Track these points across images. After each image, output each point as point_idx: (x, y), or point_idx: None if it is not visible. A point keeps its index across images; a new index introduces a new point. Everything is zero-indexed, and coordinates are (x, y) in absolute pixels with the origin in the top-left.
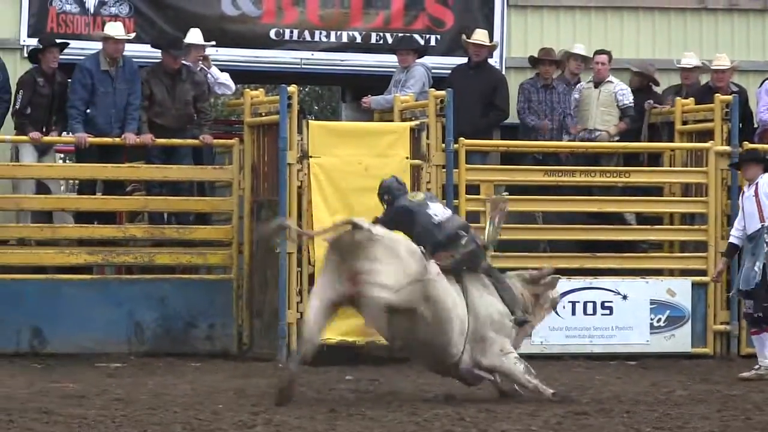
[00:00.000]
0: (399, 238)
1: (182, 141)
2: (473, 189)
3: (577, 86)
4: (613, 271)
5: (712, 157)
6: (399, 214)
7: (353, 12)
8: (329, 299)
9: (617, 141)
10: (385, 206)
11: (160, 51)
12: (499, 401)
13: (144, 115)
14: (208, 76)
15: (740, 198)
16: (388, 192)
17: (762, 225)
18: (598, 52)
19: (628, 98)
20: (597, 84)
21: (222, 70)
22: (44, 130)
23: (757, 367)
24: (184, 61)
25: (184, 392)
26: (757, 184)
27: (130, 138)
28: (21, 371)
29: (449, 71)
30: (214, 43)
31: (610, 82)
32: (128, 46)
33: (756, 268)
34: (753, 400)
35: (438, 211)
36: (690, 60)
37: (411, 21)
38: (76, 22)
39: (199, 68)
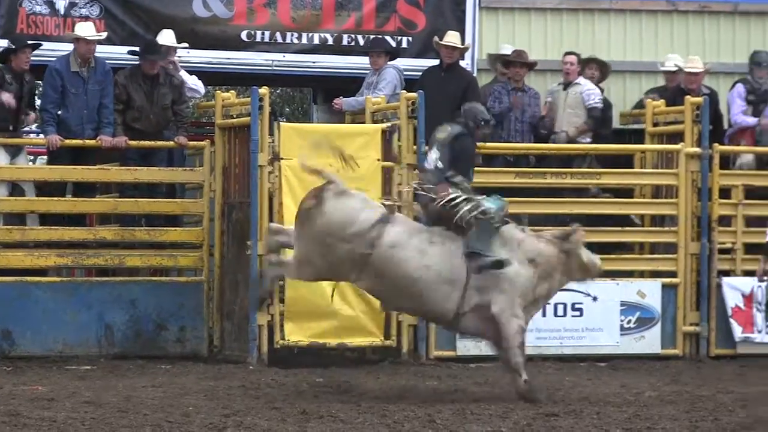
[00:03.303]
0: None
1: (156, 143)
2: None
3: (549, 89)
4: None
5: (683, 159)
6: None
7: (325, 14)
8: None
9: (589, 143)
10: None
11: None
12: (469, 402)
13: (119, 117)
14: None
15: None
16: None
17: None
18: (567, 54)
19: (595, 99)
20: (566, 86)
21: (193, 72)
22: (11, 129)
23: None
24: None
25: (154, 395)
26: None
27: (106, 141)
28: None
29: (421, 73)
30: (186, 44)
31: (578, 83)
32: (100, 47)
33: None
34: (722, 401)
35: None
36: (673, 63)
37: (383, 23)
38: (46, 23)
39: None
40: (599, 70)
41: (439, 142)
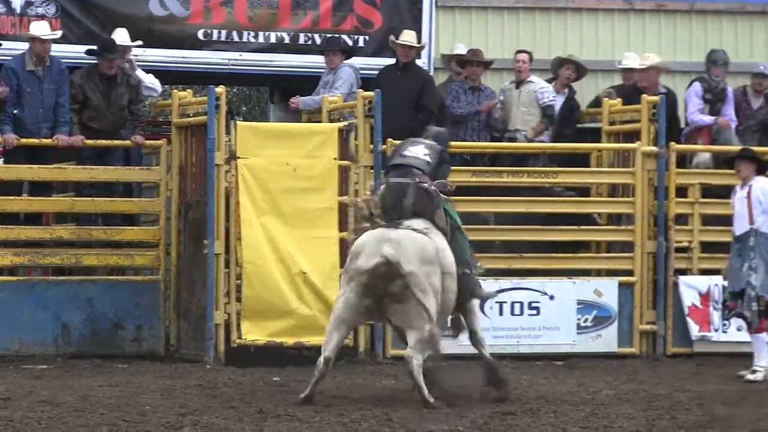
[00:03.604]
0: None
1: (112, 142)
2: None
3: (501, 87)
4: (540, 271)
5: (639, 158)
6: None
7: (281, 13)
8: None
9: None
10: None
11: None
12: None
13: (75, 117)
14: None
15: (732, 197)
16: None
17: (750, 227)
18: (518, 52)
19: (548, 97)
20: (518, 84)
21: (149, 71)
22: None
23: (759, 368)
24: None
25: (111, 394)
26: (750, 186)
27: (62, 140)
28: None
29: (377, 72)
30: (140, 42)
31: (531, 81)
32: (56, 46)
33: (744, 269)
34: (678, 399)
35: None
36: (630, 61)
37: (339, 22)
38: (2, 22)
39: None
40: (576, 70)
41: (426, 145)
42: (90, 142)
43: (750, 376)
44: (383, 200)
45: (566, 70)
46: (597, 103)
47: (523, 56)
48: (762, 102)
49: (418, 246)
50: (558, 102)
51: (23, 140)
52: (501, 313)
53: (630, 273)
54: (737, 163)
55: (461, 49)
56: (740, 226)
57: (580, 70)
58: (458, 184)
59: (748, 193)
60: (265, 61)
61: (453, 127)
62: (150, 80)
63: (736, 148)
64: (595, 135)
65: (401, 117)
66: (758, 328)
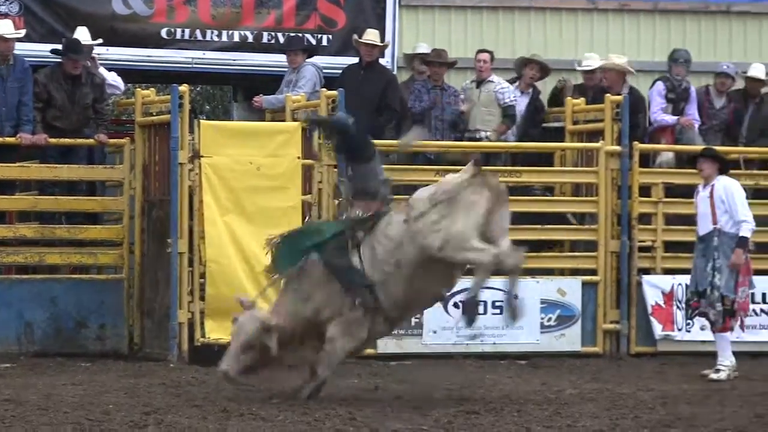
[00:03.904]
0: None
1: (75, 140)
2: None
3: (462, 86)
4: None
5: (603, 157)
6: None
7: (245, 11)
8: None
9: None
10: None
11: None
12: (390, 400)
13: (38, 115)
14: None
15: (695, 197)
16: None
17: (714, 227)
18: (479, 51)
19: (509, 97)
20: (479, 83)
21: (112, 70)
22: None
23: (722, 367)
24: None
25: (74, 392)
26: (713, 186)
27: (26, 138)
28: None
29: (341, 71)
30: (101, 41)
31: (491, 81)
32: (19, 45)
33: (708, 269)
34: (642, 398)
35: None
36: (590, 62)
37: (303, 21)
38: None
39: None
40: (540, 70)
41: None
42: (53, 140)
43: (714, 376)
44: None
45: (530, 70)
46: (554, 97)
47: (484, 56)
48: (724, 101)
49: None
50: (522, 102)
51: None
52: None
53: (593, 272)
54: (700, 163)
55: (423, 48)
56: (703, 226)
57: (544, 70)
58: (423, 183)
59: (711, 193)
60: (229, 60)
61: (415, 125)
62: (113, 78)
63: (700, 147)
64: (558, 134)
65: (365, 116)
66: (722, 327)
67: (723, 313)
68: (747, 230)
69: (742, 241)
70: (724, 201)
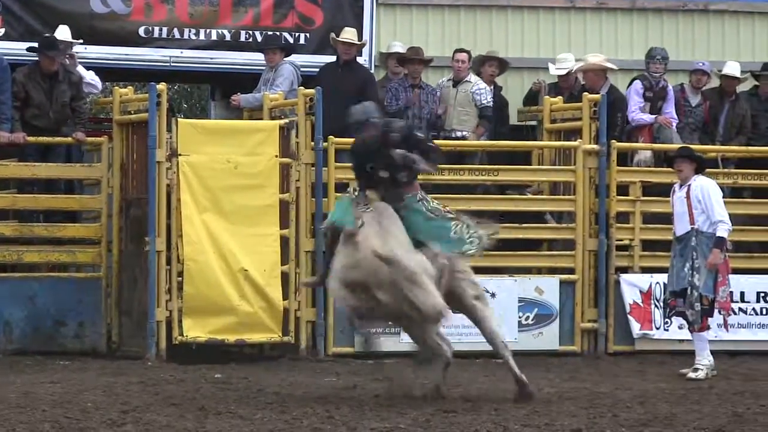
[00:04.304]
0: None
1: (54, 139)
2: (343, 187)
3: (437, 83)
4: (481, 268)
5: (581, 156)
6: None
7: (222, 10)
8: None
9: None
10: None
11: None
12: (368, 398)
13: (17, 114)
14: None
15: (671, 197)
16: None
17: (691, 227)
18: (457, 51)
19: (486, 98)
20: (456, 83)
21: (90, 68)
22: None
23: (700, 366)
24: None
25: (52, 390)
26: (689, 186)
27: (4, 136)
28: None
29: (318, 69)
30: (81, 41)
31: (468, 81)
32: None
33: (686, 269)
34: (620, 397)
35: None
36: (563, 65)
37: (280, 19)
38: None
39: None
40: (499, 66)
41: None
42: (32, 139)
43: (692, 375)
44: None
45: (489, 67)
46: (530, 99)
47: (462, 56)
48: (700, 99)
49: None
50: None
51: None
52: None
53: (571, 271)
54: (677, 163)
55: (398, 48)
56: (681, 227)
57: (503, 66)
58: None
59: (687, 193)
60: (206, 59)
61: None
62: (91, 77)
63: (677, 146)
64: (532, 132)
65: (342, 114)
66: (700, 327)
67: (701, 312)
68: (724, 230)
69: (719, 242)
70: (701, 201)
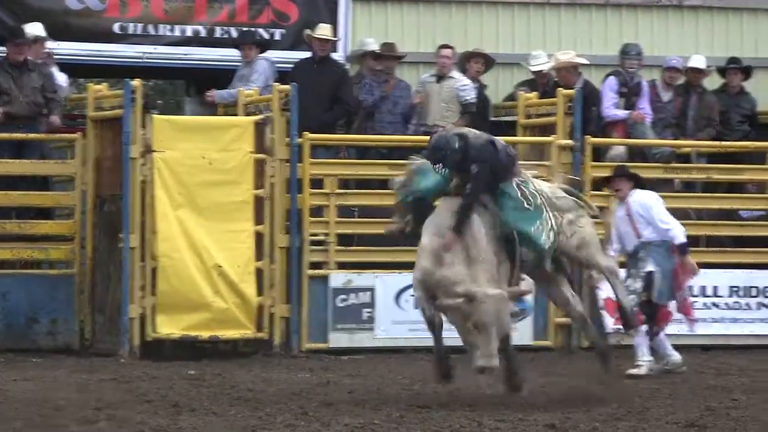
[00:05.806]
0: None
1: (27, 135)
2: (317, 183)
3: (420, 79)
4: None
5: (555, 151)
6: None
7: (197, 6)
8: None
9: None
10: None
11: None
12: (342, 394)
13: None
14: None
15: (611, 218)
16: None
17: (639, 241)
18: (442, 47)
19: (469, 94)
20: (439, 78)
21: (65, 65)
22: None
23: (642, 363)
24: (28, 57)
25: (25, 388)
26: (628, 204)
27: None
28: None
29: (294, 65)
30: (55, 43)
31: (452, 77)
32: None
33: (637, 285)
34: (593, 392)
35: None
36: (537, 61)
37: (255, 15)
38: None
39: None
40: (485, 63)
41: None
42: (5, 135)
43: (633, 371)
44: None
45: (475, 64)
46: (512, 97)
47: (447, 51)
48: (672, 95)
49: None
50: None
51: None
52: (417, 306)
53: None
54: (615, 183)
55: (372, 45)
56: (629, 243)
57: (489, 63)
58: (377, 178)
59: (628, 211)
60: (181, 55)
61: (367, 119)
62: (63, 80)
63: (652, 141)
64: (510, 128)
65: (317, 111)
66: (637, 323)
67: (634, 312)
68: (681, 235)
69: (683, 248)
70: (643, 214)
